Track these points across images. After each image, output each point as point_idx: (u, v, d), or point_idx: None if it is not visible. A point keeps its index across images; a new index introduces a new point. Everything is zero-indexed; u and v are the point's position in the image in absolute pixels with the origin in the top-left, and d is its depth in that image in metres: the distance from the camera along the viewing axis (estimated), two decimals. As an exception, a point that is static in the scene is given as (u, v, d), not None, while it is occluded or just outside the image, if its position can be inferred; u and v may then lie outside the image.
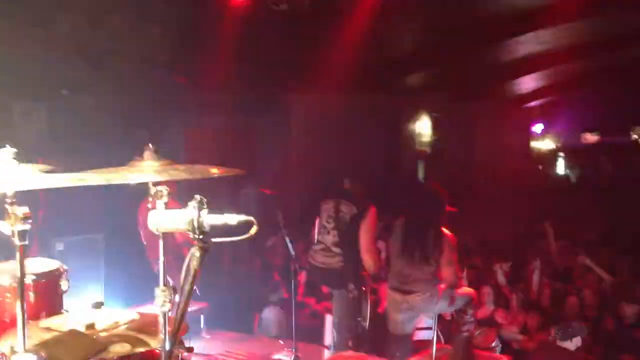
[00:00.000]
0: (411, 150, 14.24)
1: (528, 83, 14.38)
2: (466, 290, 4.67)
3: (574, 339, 5.30)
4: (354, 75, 10.55)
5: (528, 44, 11.91)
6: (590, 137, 15.62)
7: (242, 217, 1.76)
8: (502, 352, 5.90)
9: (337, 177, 5.11)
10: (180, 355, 2.19)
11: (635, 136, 15.08)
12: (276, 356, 6.01)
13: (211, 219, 1.73)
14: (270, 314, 7.22)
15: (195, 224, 1.71)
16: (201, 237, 1.72)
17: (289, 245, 5.51)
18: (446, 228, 4.56)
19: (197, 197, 1.76)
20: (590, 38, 12.07)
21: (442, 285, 4.46)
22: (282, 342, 6.27)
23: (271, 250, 8.52)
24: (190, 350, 2.25)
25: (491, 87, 13.74)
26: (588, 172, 15.79)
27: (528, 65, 13.12)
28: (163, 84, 7.76)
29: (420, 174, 14.90)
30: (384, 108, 12.38)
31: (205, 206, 1.76)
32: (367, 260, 4.83)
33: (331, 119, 10.67)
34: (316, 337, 5.91)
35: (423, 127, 14.57)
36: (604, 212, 11.32)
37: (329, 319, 5.33)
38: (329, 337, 5.31)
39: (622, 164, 14.98)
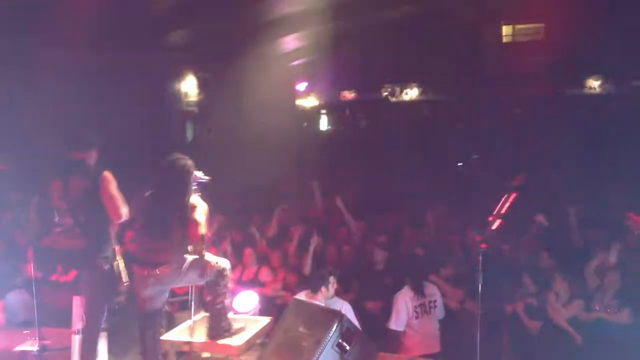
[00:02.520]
0: (178, 111, 13.83)
1: (290, 42, 14.77)
2: (219, 261, 4.58)
3: (331, 279, 5.59)
4: (110, 31, 9.76)
5: (288, 3, 12.18)
6: (348, 95, 16.68)
7: None
8: (263, 311, 6.04)
9: (65, 149, 4.61)
10: None
11: (385, 93, 16.46)
12: (20, 347, 5.42)
13: None
14: (15, 299, 6.50)
15: None
16: None
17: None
18: (197, 194, 4.43)
19: None
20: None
21: (191, 257, 4.34)
22: (27, 331, 5.68)
23: (13, 228, 7.64)
24: None
25: (256, 46, 13.83)
26: (346, 128, 16.94)
27: (289, 24, 13.44)
28: None
29: (189, 134, 14.60)
30: (146, 67, 11.72)
31: None
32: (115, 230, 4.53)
33: (81, 79, 9.76)
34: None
35: (190, 86, 14.21)
36: (360, 167, 12.24)
37: (76, 302, 4.91)
38: (78, 320, 4.90)
39: (375, 119, 16.34)
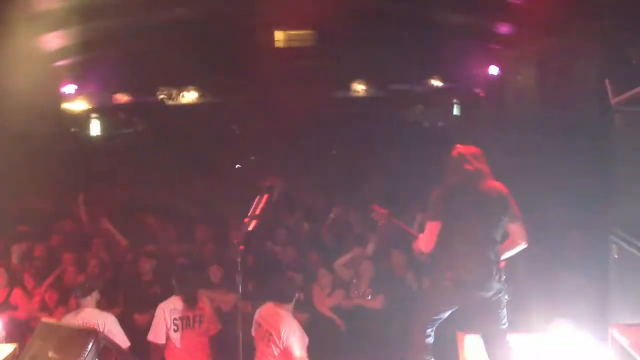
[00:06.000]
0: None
1: (53, 40, 13.57)
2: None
3: (93, 293, 5.57)
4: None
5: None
6: (121, 98, 15.88)
7: None
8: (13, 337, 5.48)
9: None
10: None
11: (161, 96, 16.02)
12: None
13: None
14: None
15: None
16: None
17: None
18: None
19: None
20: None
21: None
22: None
23: None
24: None
25: (11, 43, 12.48)
26: (120, 133, 16.20)
27: (50, 21, 12.34)
28: None
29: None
30: None
31: None
32: None
33: None
34: None
35: None
36: (134, 172, 11.74)
37: None
38: None
39: (151, 122, 15.87)
